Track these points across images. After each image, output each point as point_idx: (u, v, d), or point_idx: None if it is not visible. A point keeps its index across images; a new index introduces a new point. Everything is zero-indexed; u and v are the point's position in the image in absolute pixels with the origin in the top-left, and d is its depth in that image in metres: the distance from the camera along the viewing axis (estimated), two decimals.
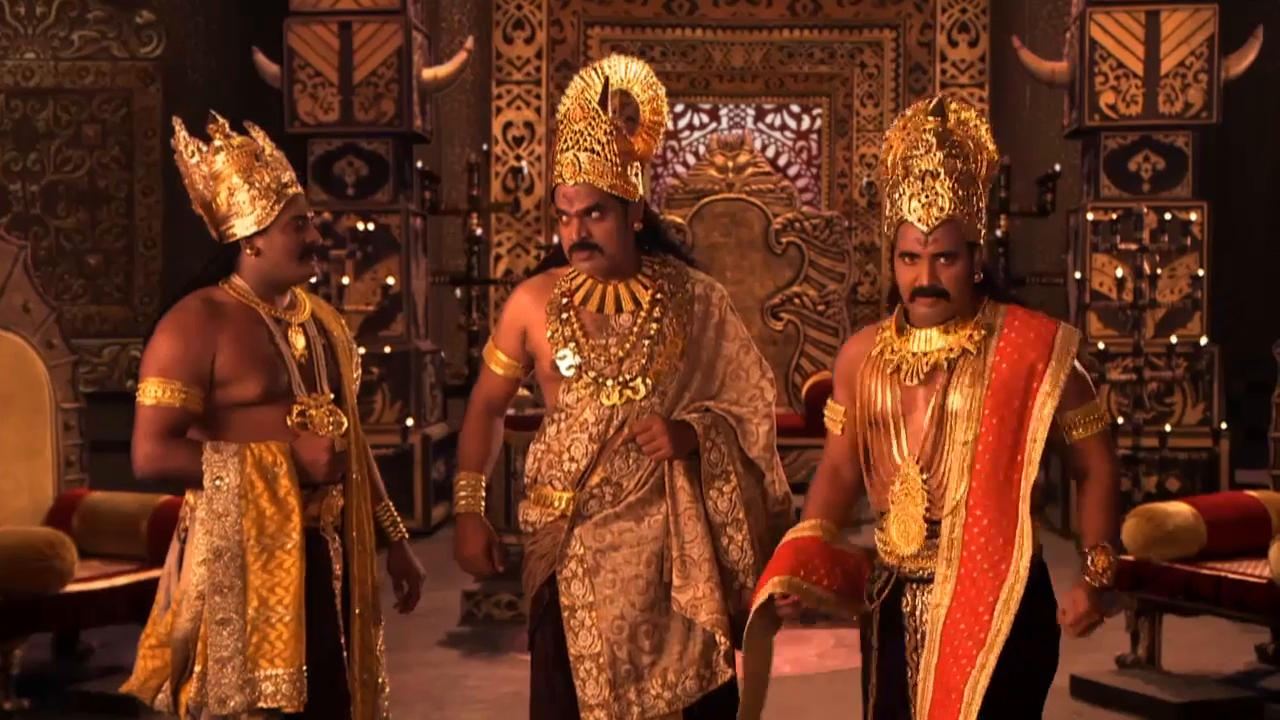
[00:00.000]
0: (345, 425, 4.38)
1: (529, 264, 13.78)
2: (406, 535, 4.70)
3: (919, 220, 3.82)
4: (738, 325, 4.54)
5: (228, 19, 13.39)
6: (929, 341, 3.93)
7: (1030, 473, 3.84)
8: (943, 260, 3.84)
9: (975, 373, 3.88)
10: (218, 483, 4.17)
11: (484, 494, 4.63)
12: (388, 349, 11.58)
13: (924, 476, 3.90)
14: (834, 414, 4.14)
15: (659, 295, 4.44)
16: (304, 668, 4.15)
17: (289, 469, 4.19)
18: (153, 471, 4.25)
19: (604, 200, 4.33)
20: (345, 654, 4.34)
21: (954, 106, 3.97)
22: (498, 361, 4.61)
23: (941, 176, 3.83)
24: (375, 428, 11.22)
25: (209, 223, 4.37)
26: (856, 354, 4.08)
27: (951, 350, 3.90)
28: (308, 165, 11.87)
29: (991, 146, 3.97)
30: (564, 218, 4.38)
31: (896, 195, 3.88)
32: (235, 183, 4.28)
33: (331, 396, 4.40)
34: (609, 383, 4.38)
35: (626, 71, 4.55)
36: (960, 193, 3.84)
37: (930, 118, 3.89)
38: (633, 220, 4.42)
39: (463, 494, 4.62)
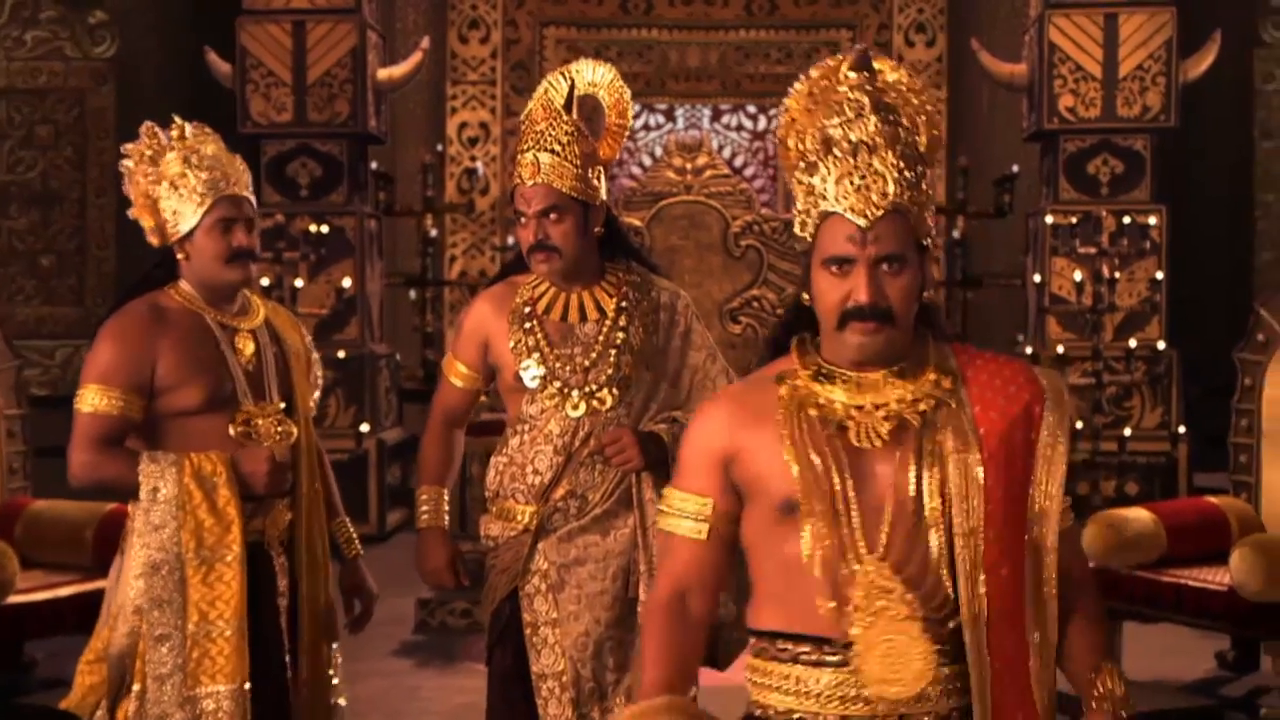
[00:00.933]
0: (294, 435, 4.28)
1: (484, 265, 13.72)
2: (361, 552, 4.61)
3: (852, 211, 2.69)
4: (703, 334, 4.46)
5: (181, 19, 13.24)
6: (880, 389, 2.76)
7: (1051, 563, 2.75)
8: (887, 267, 2.69)
9: (959, 431, 2.74)
10: (155, 493, 4.07)
11: (446, 507, 4.55)
12: (342, 353, 11.44)
13: (900, 578, 2.69)
14: (688, 510, 2.86)
15: (624, 304, 4.35)
16: (247, 685, 4.04)
17: (229, 479, 4.09)
18: (87, 480, 4.17)
19: (563, 202, 4.24)
20: (291, 674, 4.24)
21: (879, 65, 2.88)
22: (457, 373, 4.52)
23: (880, 149, 2.72)
24: (329, 433, 11.01)
25: (152, 227, 4.27)
26: (742, 416, 2.82)
27: (918, 399, 2.75)
28: (260, 166, 11.69)
29: (936, 116, 2.89)
30: (522, 219, 4.29)
31: (815, 179, 2.76)
32: (166, 187, 4.20)
33: (281, 406, 4.29)
34: (574, 393, 4.29)
35: (593, 74, 4.47)
36: (907, 173, 2.73)
37: (852, 74, 2.80)
38: (593, 224, 4.32)
39: (425, 508, 4.53)
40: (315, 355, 4.53)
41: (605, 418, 4.29)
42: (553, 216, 4.24)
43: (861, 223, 2.70)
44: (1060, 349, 11.04)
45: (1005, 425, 2.76)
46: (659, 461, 4.26)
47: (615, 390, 4.29)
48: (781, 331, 2.90)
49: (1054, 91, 11.50)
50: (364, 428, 11.32)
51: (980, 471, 2.73)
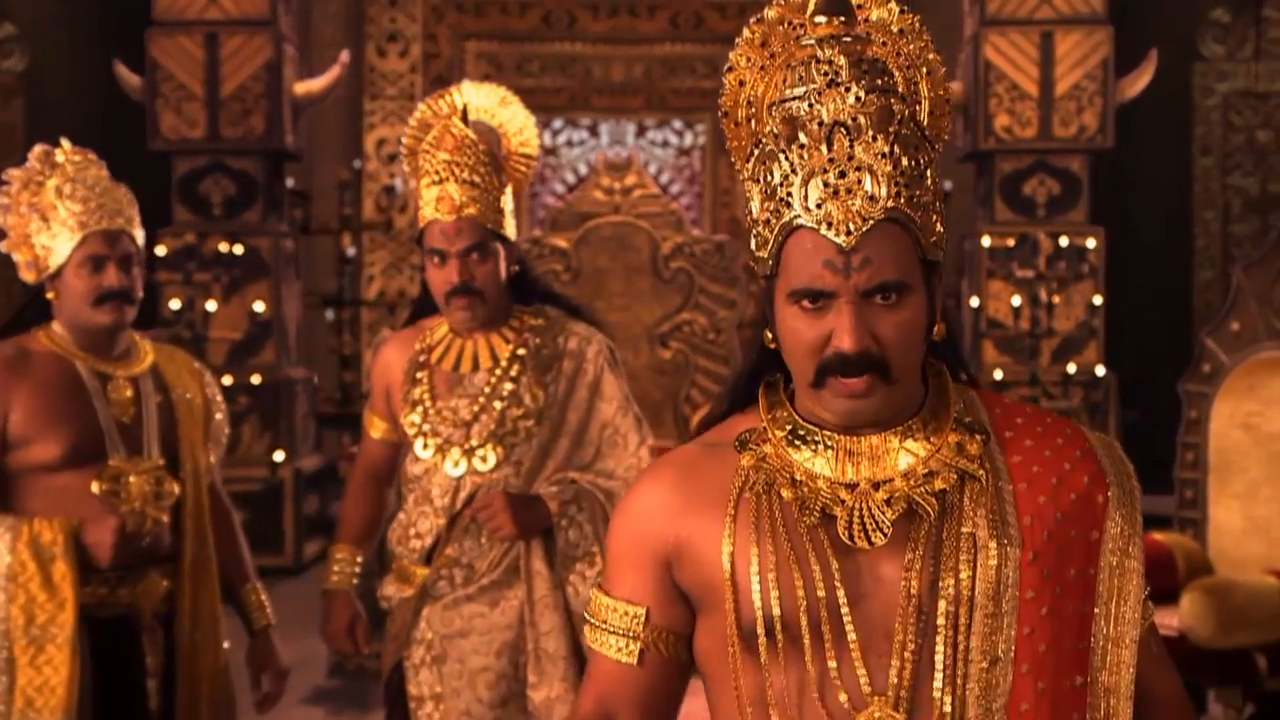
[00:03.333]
0: (176, 495, 3.90)
1: (403, 285, 13.47)
2: (272, 623, 4.24)
3: (829, 223, 1.90)
4: (616, 383, 4.04)
5: (91, 32, 12.87)
6: (880, 458, 1.99)
7: (1126, 712, 2.02)
8: (881, 299, 1.92)
9: (994, 516, 1.98)
10: None
11: (357, 569, 4.23)
12: (257, 378, 11.09)
13: None
14: (614, 623, 2.12)
15: (520, 351, 3.97)
16: None
17: (67, 550, 3.69)
18: None
19: (487, 239, 3.86)
20: None
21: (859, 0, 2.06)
22: (374, 426, 4.20)
23: (866, 132, 1.91)
24: (244, 461, 10.78)
25: (26, 262, 3.90)
26: (689, 495, 2.06)
27: (934, 471, 1.98)
28: (172, 184, 11.33)
29: (939, 67, 2.07)
30: (435, 259, 3.89)
31: (775, 175, 1.95)
32: (38, 219, 3.83)
33: (160, 462, 3.91)
34: (455, 450, 3.92)
35: (489, 98, 4.15)
36: (906, 162, 1.93)
37: (822, 18, 1.97)
38: (510, 263, 3.97)
39: (335, 568, 4.23)
40: (220, 405, 4.16)
41: (489, 478, 3.92)
42: (475, 256, 3.87)
43: (842, 240, 1.90)
44: (997, 374, 10.89)
45: (1056, 514, 1.99)
46: (540, 529, 3.90)
47: (499, 448, 3.91)
48: (744, 380, 2.13)
49: (989, 111, 11.30)
50: (278, 456, 10.98)
51: (1015, 574, 1.96)
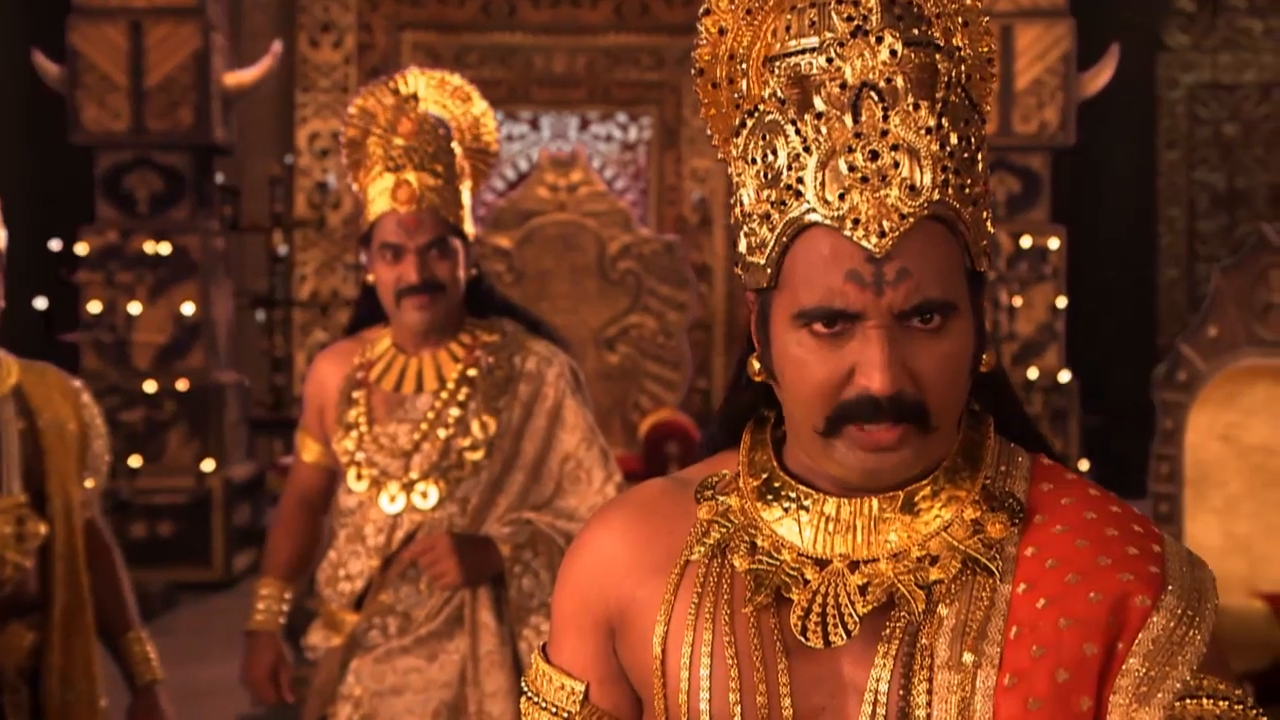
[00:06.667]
0: (42, 536, 3.44)
1: (336, 285, 13.15)
2: (159, 677, 3.76)
3: (856, 222, 1.44)
4: (580, 411, 3.61)
5: (9, 19, 12.42)
6: (873, 529, 1.53)
7: None
8: (921, 323, 1.46)
9: (966, 624, 1.50)
10: None
11: (284, 608, 3.80)
12: (183, 384, 10.69)
13: None
14: (548, 696, 1.69)
15: (470, 371, 3.55)
16: None
17: None
18: None
19: (447, 234, 3.46)
20: None
21: None
22: (307, 448, 3.78)
23: (903, 100, 1.45)
24: (170, 470, 10.45)
25: None
26: (642, 547, 1.64)
27: (933, 556, 1.51)
28: (94, 179, 10.91)
29: (982, 19, 1.58)
30: (388, 255, 3.46)
31: (776, 153, 1.48)
32: None
33: (23, 499, 3.45)
34: (392, 484, 3.49)
35: (440, 90, 3.72)
36: (955, 140, 1.46)
37: None
38: (469, 264, 3.56)
39: (259, 606, 3.80)
40: (99, 431, 3.68)
41: (430, 517, 3.49)
42: (434, 253, 3.45)
43: (873, 245, 1.44)
44: None
45: (1059, 622, 1.47)
46: (489, 576, 3.47)
47: (442, 482, 3.49)
48: (731, 415, 1.68)
49: None
50: (207, 465, 10.60)
51: (987, 707, 1.47)
